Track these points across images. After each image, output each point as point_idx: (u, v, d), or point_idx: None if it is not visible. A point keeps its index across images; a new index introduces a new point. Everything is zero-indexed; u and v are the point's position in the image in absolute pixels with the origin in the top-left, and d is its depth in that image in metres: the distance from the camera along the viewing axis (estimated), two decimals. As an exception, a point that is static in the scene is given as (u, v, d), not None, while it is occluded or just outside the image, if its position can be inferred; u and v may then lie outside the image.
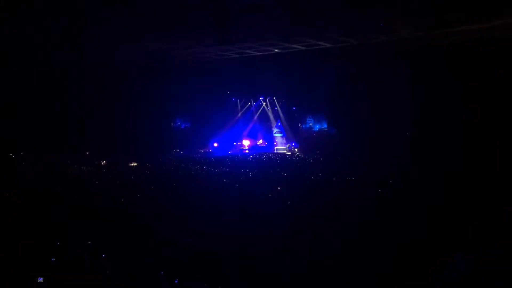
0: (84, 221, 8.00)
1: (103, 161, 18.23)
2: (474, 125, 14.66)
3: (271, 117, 26.85)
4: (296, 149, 25.05)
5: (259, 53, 17.41)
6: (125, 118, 21.63)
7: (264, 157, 22.31)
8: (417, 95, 16.77)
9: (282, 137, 26.41)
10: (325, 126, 24.32)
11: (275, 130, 26.65)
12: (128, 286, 5.57)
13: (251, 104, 27.02)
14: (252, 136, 26.84)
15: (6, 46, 14.00)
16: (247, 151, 25.55)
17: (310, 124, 24.98)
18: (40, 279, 5.54)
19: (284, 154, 24.32)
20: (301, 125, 25.57)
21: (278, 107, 26.31)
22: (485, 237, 6.24)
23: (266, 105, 26.81)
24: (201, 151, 24.84)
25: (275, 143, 26.39)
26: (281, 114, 26.26)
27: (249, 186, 12.64)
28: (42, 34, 12.39)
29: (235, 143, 26.25)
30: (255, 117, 27.03)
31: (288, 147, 25.49)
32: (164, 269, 5.73)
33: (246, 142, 26.35)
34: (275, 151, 25.46)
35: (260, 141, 26.92)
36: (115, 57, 17.87)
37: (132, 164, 17.96)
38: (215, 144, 25.64)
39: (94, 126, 20.43)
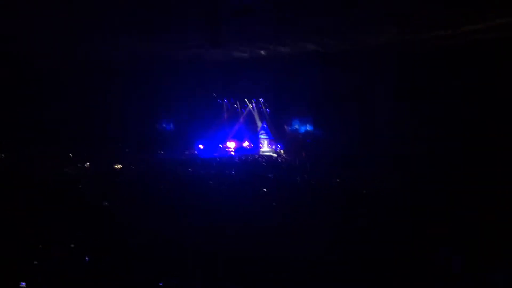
0: (69, 222, 7.84)
1: (86, 163, 17.89)
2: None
3: (257, 119, 26.82)
4: (282, 151, 25.10)
5: (246, 55, 17.43)
6: (108, 119, 21.36)
7: (250, 159, 22.31)
8: (402, 99, 17.03)
9: (267, 139, 26.41)
10: (310, 128, 24.45)
11: (260, 132, 26.63)
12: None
13: (237, 106, 26.95)
14: (238, 138, 26.76)
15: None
16: (233, 153, 25.48)
17: (296, 126, 25.07)
18: (23, 284, 5.42)
19: (269, 155, 24.34)
20: (287, 127, 25.62)
21: (264, 109, 26.30)
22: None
23: (252, 107, 26.79)
24: (186, 153, 24.64)
25: (260, 145, 26.39)
26: (267, 116, 26.27)
27: (236, 188, 12.61)
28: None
29: (220, 145, 26.14)
30: (241, 119, 26.97)
31: (274, 148, 25.53)
32: (155, 270, 5.67)
33: (231, 144, 26.26)
34: (260, 153, 25.46)
35: (246, 143, 26.86)
36: (99, 57, 17.62)
37: (116, 166, 17.70)
38: (201, 146, 25.48)
39: (77, 127, 20.11)
